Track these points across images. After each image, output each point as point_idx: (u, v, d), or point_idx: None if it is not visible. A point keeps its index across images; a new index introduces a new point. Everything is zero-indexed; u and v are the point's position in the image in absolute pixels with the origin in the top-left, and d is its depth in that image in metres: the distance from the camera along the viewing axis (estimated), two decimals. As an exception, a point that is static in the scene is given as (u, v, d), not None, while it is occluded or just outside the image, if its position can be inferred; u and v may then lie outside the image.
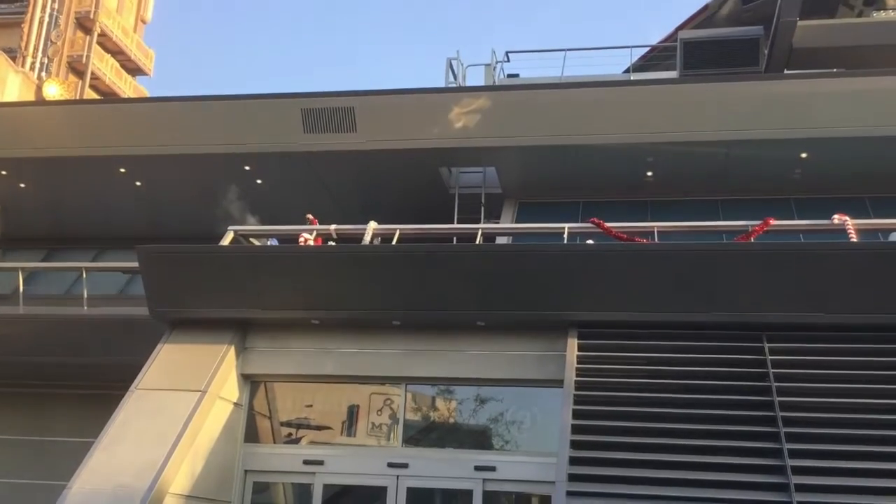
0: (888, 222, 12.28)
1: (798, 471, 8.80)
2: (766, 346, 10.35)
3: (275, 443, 12.07)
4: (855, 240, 11.57)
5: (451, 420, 11.91)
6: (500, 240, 14.77)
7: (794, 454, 8.99)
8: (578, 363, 10.55)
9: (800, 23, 15.08)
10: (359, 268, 11.56)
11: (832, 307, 10.32)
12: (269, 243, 13.37)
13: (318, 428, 12.10)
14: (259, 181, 16.99)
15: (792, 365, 10.09)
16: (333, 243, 12.74)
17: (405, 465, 11.15)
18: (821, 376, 9.92)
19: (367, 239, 12.47)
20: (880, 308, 10.25)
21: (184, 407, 10.80)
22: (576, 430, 9.67)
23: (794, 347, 10.28)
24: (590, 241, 12.28)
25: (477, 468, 10.94)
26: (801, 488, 8.61)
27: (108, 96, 37.32)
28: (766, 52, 15.86)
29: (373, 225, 12.65)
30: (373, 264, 11.60)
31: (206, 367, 11.36)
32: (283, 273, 11.64)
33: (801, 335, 10.39)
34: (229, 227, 12.99)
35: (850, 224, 11.73)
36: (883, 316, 10.26)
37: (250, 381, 12.06)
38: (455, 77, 18.08)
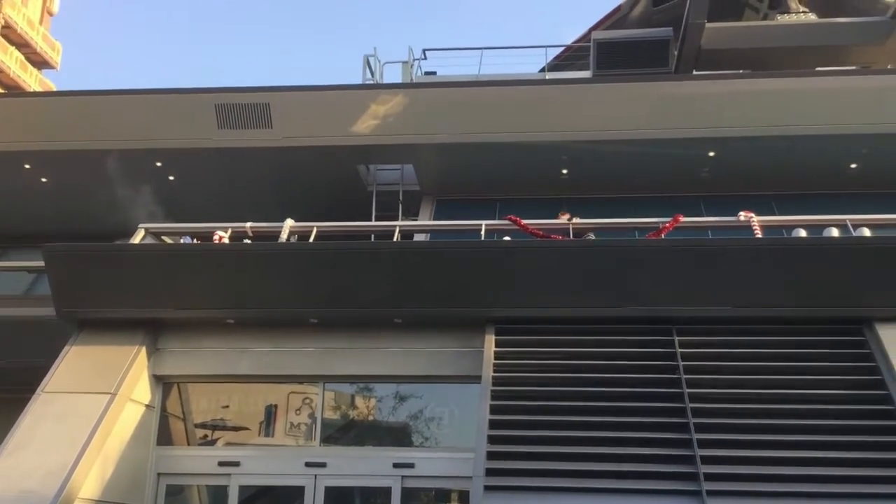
0: (792, 219, 12.74)
1: (706, 460, 9.08)
2: (676, 339, 10.63)
3: (189, 445, 11.83)
4: (760, 236, 11.97)
5: (371, 418, 11.88)
6: (418, 237, 14.79)
7: (703, 444, 9.27)
8: (496, 359, 10.65)
9: (707, 25, 15.49)
10: (274, 266, 11.42)
11: (738, 301, 10.66)
12: (182, 241, 13.08)
13: (235, 429, 11.90)
14: (171, 178, 16.61)
15: (700, 357, 10.39)
16: (249, 241, 12.55)
17: (323, 465, 11.08)
18: (727, 368, 10.26)
19: (283, 237, 12.34)
20: (784, 301, 10.65)
21: (93, 410, 10.49)
22: (493, 424, 9.76)
23: (703, 340, 10.59)
24: (507, 238, 12.41)
25: (396, 465, 10.95)
26: (709, 476, 8.88)
27: (13, 90, 35.97)
28: (675, 53, 16.24)
29: (289, 222, 12.51)
30: (289, 262, 11.47)
31: (116, 368, 11.06)
32: (196, 271, 11.41)
33: (709, 328, 10.72)
34: (140, 225, 12.68)
35: (756, 221, 12.13)
36: (786, 309, 10.66)
37: (163, 383, 11.79)
38: (372, 74, 18.02)
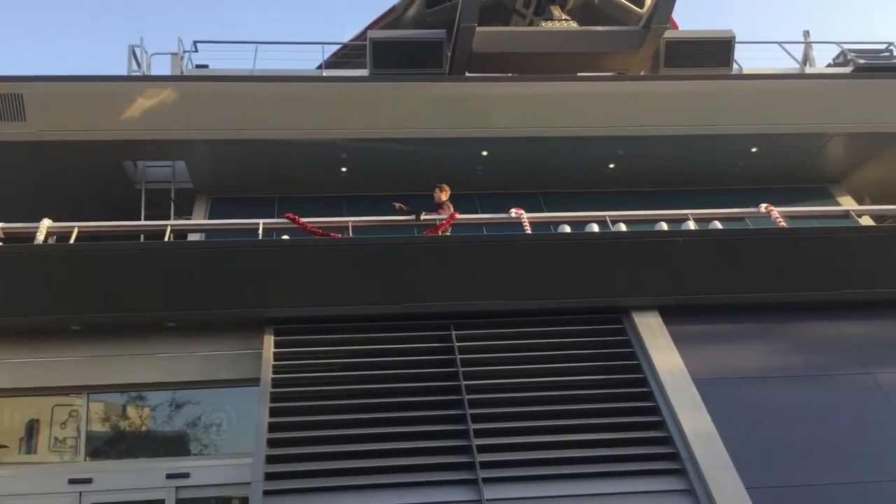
0: (558, 215, 13.47)
1: (482, 449, 9.41)
2: (454, 333, 10.92)
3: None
4: (529, 232, 12.57)
5: (143, 428, 11.29)
6: (193, 237, 14.23)
7: (479, 433, 9.59)
8: (275, 360, 10.46)
9: (478, 29, 15.98)
10: (29, 270, 10.58)
11: (511, 294, 11.13)
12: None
13: (-10, 448, 10.91)
14: None
15: (476, 350, 10.73)
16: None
17: (89, 480, 10.38)
18: (501, 359, 10.66)
19: (39, 238, 11.46)
20: (551, 294, 11.22)
21: None
22: (273, 427, 9.60)
23: (478, 334, 10.95)
24: (285, 237, 12.24)
25: (169, 476, 10.44)
26: (485, 464, 9.23)
27: None
28: (449, 55, 16.65)
29: (46, 223, 11.63)
30: (45, 265, 10.67)
31: None
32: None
33: (485, 322, 11.08)
34: None
35: (525, 217, 12.72)
36: (553, 301, 11.22)
37: None
38: (139, 65, 17.08)
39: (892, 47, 18.93)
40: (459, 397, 10.07)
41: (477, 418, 9.81)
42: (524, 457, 9.39)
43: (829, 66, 19.10)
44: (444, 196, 13.36)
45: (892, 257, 11.60)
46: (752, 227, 13.90)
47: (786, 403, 10.23)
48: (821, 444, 9.62)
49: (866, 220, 14.56)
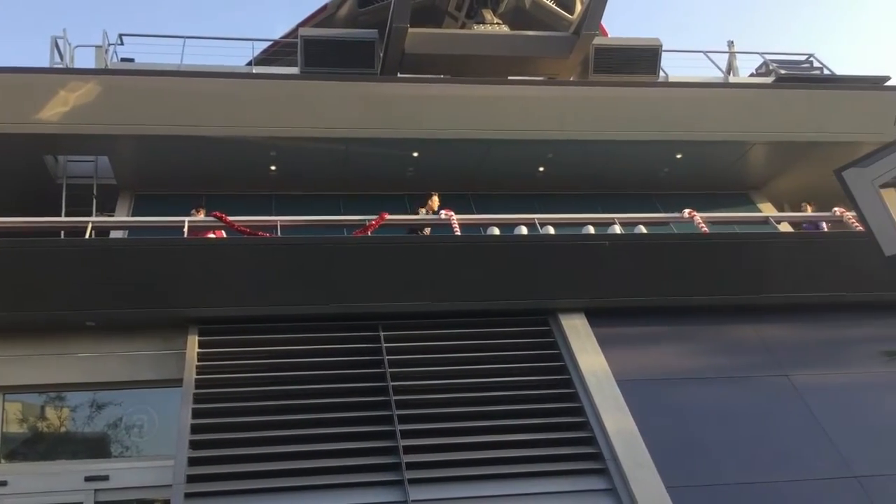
0: (487, 217, 13.58)
1: (409, 450, 9.44)
2: (382, 334, 10.91)
3: None
4: (458, 233, 12.63)
5: (62, 429, 11.01)
6: (115, 234, 13.89)
7: (406, 434, 9.62)
8: (199, 360, 10.34)
9: (410, 30, 15.96)
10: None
11: (439, 296, 11.17)
12: None
13: None
14: None
15: (404, 352, 10.76)
16: None
17: (3, 483, 10.09)
18: (429, 360, 10.72)
19: (-50, 233, 11.07)
20: (479, 295, 11.30)
21: None
22: (196, 429, 9.48)
23: (406, 335, 10.97)
24: (212, 235, 12.07)
25: (88, 479, 10.22)
26: (411, 465, 9.27)
27: None
28: (381, 55, 16.60)
29: (-45, 218, 11.25)
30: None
31: None
32: None
33: (413, 323, 11.11)
34: None
35: (455, 219, 12.79)
36: (482, 302, 11.31)
37: None
38: (62, 58, 16.58)
39: (812, 58, 19.57)
40: (387, 398, 10.07)
41: (404, 419, 9.83)
42: (451, 457, 9.45)
43: (751, 75, 19.63)
44: (434, 205, 13.68)
45: (809, 263, 11.99)
46: (676, 231, 14.23)
47: (705, 404, 10.50)
48: (738, 444, 9.91)
49: (785, 227, 15.01)
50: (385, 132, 15.31)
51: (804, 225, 14.80)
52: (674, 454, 9.60)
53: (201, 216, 12.76)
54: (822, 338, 11.58)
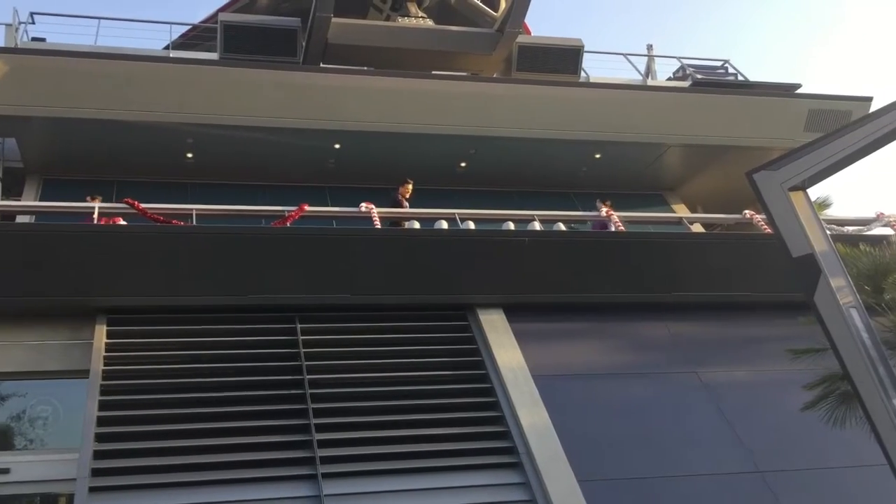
0: (407, 211, 13.54)
1: (323, 444, 9.36)
2: (299, 326, 10.77)
3: None
4: (379, 227, 12.56)
5: (-40, 421, 10.55)
6: (22, 219, 13.37)
7: (320, 428, 9.52)
8: (107, 351, 10.04)
9: (333, 20, 15.79)
10: None
11: (357, 289, 11.09)
12: None
13: None
14: None
15: (321, 344, 10.64)
16: None
17: None
18: (346, 354, 10.62)
19: None
20: (398, 289, 11.27)
21: None
22: (102, 422, 9.20)
23: (324, 328, 10.85)
24: (122, 222, 11.74)
25: (-14, 473, 9.82)
26: (325, 460, 9.18)
27: None
28: (303, 44, 16.38)
29: None
30: None
31: None
32: None
33: (331, 315, 11.00)
34: None
35: (375, 212, 12.71)
36: (400, 296, 11.27)
37: None
38: (-33, 36, 15.87)
39: (727, 65, 20.13)
40: (302, 391, 9.96)
41: (319, 413, 9.72)
42: (366, 452, 9.40)
43: (669, 79, 20.08)
44: (407, 192, 13.77)
45: (720, 263, 12.32)
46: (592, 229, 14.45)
47: (617, 399, 10.71)
48: (648, 439, 10.12)
49: (697, 228, 15.40)
50: (306, 122, 15.15)
51: (592, 225, 14.83)
52: (586, 448, 9.75)
53: (97, 205, 12.27)
54: (730, 336, 11.90)
